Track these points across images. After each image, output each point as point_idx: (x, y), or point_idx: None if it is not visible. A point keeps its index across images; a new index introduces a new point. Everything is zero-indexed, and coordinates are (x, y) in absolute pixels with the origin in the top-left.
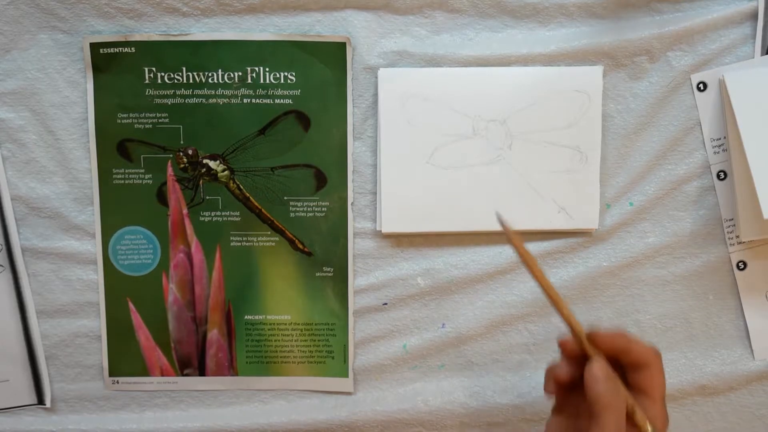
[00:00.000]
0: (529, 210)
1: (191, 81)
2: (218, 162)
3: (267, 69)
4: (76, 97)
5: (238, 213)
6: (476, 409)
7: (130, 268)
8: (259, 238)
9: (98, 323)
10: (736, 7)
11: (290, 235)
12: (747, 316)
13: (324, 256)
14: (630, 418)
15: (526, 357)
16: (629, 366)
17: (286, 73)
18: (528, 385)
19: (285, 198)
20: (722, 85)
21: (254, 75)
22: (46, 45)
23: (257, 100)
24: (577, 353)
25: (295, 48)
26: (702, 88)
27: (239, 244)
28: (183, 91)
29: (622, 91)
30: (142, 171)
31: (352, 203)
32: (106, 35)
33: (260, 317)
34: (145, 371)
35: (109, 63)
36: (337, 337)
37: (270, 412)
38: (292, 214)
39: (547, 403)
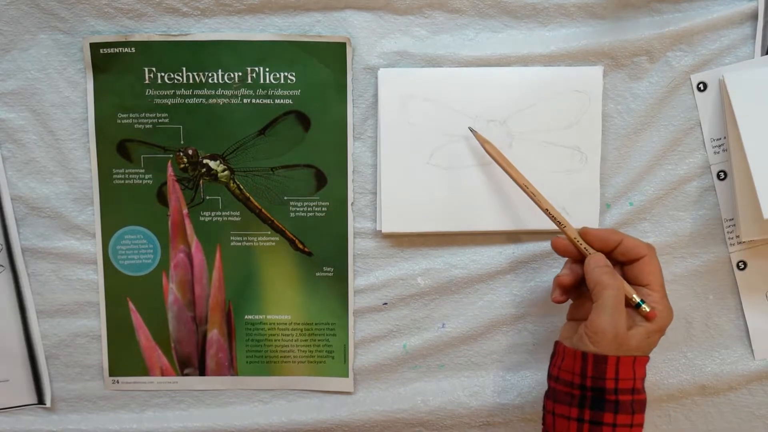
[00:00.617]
0: (530, 210)
1: (191, 81)
2: (218, 162)
3: (267, 69)
4: (76, 97)
5: (238, 213)
6: (476, 409)
7: (130, 268)
8: (259, 238)
9: (98, 323)
10: (736, 7)
11: (290, 235)
12: (747, 316)
13: (324, 256)
14: (629, 305)
15: (526, 357)
16: (625, 260)
17: (286, 73)
18: (528, 385)
19: (285, 198)
20: (722, 85)
21: (254, 75)
22: (46, 45)
23: (257, 101)
24: (572, 251)
25: (295, 48)
26: (702, 88)
27: (239, 244)
28: (183, 92)
29: (622, 91)
30: (142, 171)
31: (352, 203)
32: (106, 35)
33: (260, 317)
34: (145, 371)
35: (109, 63)
36: (337, 337)
37: (270, 412)
38: (292, 214)
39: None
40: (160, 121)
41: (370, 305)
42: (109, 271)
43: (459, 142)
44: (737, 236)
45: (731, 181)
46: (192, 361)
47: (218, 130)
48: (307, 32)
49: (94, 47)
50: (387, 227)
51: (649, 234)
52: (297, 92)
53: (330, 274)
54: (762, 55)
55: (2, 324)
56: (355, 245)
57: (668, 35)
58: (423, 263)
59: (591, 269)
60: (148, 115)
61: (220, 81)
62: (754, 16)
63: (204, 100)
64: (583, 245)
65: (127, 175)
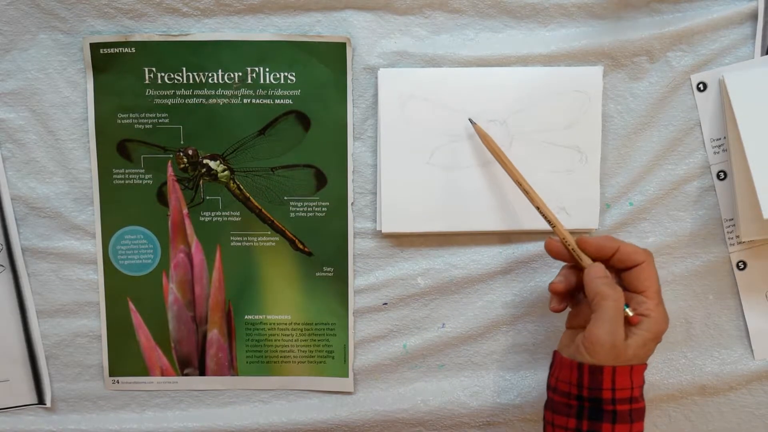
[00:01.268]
0: (529, 210)
1: (191, 81)
2: (218, 162)
3: (267, 69)
4: (76, 97)
5: (238, 213)
6: (476, 409)
7: (130, 268)
8: (259, 238)
9: (98, 323)
10: (736, 8)
11: (290, 235)
12: (747, 316)
13: (324, 256)
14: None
15: (526, 357)
16: (622, 267)
17: (286, 74)
18: (528, 385)
19: (285, 198)
20: (722, 86)
21: (254, 75)
22: (46, 45)
23: (257, 101)
24: (564, 253)
25: (295, 48)
26: (702, 88)
27: (239, 244)
28: (183, 92)
29: (622, 91)
30: (142, 171)
31: (352, 203)
32: (106, 35)
33: (260, 317)
34: (145, 371)
35: (109, 63)
36: (337, 337)
37: (270, 412)
38: (292, 214)
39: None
40: (160, 121)
41: (370, 305)
42: (109, 271)
43: (459, 142)
44: (737, 236)
45: (731, 181)
46: (192, 361)
47: (218, 130)
48: (307, 32)
49: (94, 47)
50: (387, 227)
51: (649, 234)
52: (297, 92)
53: (330, 274)
54: (762, 55)
55: (2, 324)
56: (355, 245)
57: (668, 35)
58: (423, 263)
59: (590, 279)
60: (148, 115)
61: (220, 81)
62: (754, 16)
63: (204, 100)
64: (573, 247)
65: (127, 175)
